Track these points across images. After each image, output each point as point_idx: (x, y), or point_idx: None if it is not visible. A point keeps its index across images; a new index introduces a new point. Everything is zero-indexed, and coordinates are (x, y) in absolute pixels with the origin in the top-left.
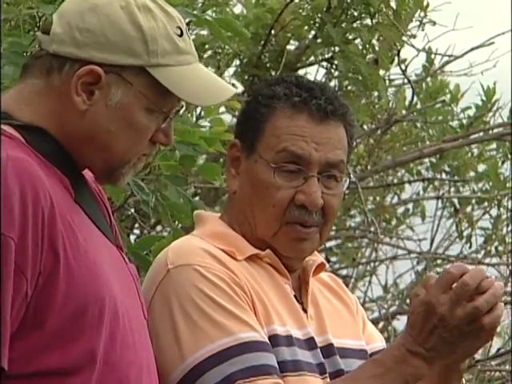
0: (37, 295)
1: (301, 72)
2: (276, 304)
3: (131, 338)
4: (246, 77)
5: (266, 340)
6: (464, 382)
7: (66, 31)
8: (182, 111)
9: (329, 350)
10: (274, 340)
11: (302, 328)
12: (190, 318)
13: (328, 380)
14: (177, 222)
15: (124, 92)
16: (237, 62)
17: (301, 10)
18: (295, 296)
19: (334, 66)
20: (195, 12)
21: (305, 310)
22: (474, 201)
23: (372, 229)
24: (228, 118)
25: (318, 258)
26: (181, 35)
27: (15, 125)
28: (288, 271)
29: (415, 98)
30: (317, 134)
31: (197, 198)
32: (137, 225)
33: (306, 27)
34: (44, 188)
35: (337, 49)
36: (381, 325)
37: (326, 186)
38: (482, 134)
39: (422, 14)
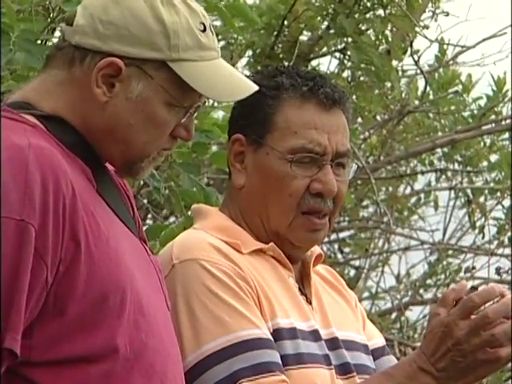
0: (57, 282)
1: (313, 63)
2: (280, 297)
3: (156, 327)
4: (259, 67)
5: (269, 336)
6: None
7: (89, 23)
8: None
9: (333, 343)
10: (278, 334)
11: (307, 320)
12: (193, 314)
13: (334, 372)
14: (189, 212)
15: (145, 85)
16: (249, 52)
17: (314, 1)
18: (299, 288)
19: (346, 57)
20: None
21: (309, 302)
22: (486, 191)
23: (385, 219)
24: None
25: (316, 248)
26: (204, 31)
27: (37, 114)
28: (291, 263)
29: (428, 89)
30: (327, 123)
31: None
32: (150, 215)
33: (318, 18)
34: (66, 176)
35: (349, 40)
36: (393, 315)
37: (336, 174)
38: (493, 124)
39: (435, 4)
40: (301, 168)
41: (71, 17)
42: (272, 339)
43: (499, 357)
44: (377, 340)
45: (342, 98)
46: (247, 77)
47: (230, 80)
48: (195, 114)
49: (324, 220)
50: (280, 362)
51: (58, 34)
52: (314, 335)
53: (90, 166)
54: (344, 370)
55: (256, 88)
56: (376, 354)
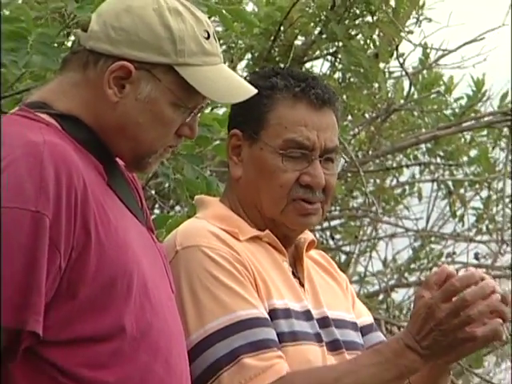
0: (70, 268)
1: (307, 65)
2: (275, 280)
3: (160, 309)
4: (257, 69)
5: (266, 316)
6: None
7: (102, 29)
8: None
9: (324, 322)
10: (273, 314)
11: (300, 301)
12: (196, 296)
13: (325, 348)
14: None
15: (153, 87)
16: (248, 55)
17: (307, 8)
18: (292, 272)
19: (337, 60)
20: (208, 2)
21: (302, 285)
22: (466, 183)
23: (373, 209)
24: None
25: (309, 235)
26: (208, 38)
27: (53, 113)
28: (285, 248)
29: (412, 89)
30: (316, 121)
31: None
32: (157, 205)
33: (312, 24)
34: (78, 170)
35: (340, 44)
36: (381, 297)
37: (325, 168)
38: (473, 121)
39: (419, 12)
40: (291, 162)
41: (86, 23)
42: (269, 318)
43: (475, 336)
44: (365, 318)
45: (332, 98)
46: (245, 77)
47: (231, 83)
48: (199, 114)
49: (316, 205)
50: (276, 339)
51: (72, 37)
52: (307, 315)
53: (101, 161)
54: (334, 346)
55: (254, 91)
56: (364, 330)
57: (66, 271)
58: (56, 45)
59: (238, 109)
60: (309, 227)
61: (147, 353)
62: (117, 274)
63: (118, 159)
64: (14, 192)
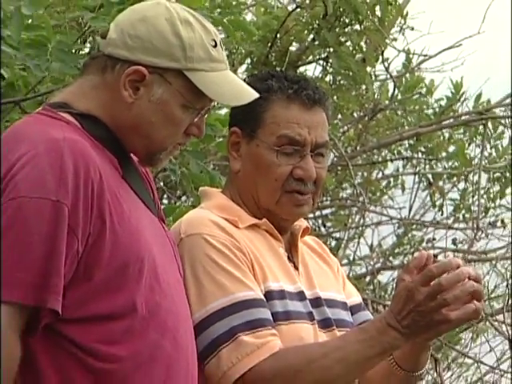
0: (87, 253)
1: (301, 69)
2: (271, 264)
3: (169, 291)
4: (256, 73)
5: (261, 297)
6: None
7: (119, 37)
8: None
9: (317, 302)
10: (269, 295)
11: (294, 283)
12: (198, 280)
13: (316, 326)
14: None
15: (164, 90)
16: (248, 60)
17: (301, 18)
18: (288, 256)
19: (328, 64)
20: (212, 15)
21: (296, 268)
22: (445, 176)
23: (360, 199)
24: None
25: (303, 223)
26: (215, 46)
27: (73, 113)
28: (281, 235)
29: (396, 91)
30: (308, 120)
31: None
32: (165, 196)
33: (305, 31)
34: (94, 164)
35: (331, 50)
36: (367, 278)
37: (316, 161)
38: (451, 120)
39: (402, 21)
40: (285, 157)
41: (105, 31)
42: (264, 299)
43: (450, 318)
44: (354, 298)
45: (322, 98)
46: (244, 80)
47: (235, 87)
48: (206, 115)
49: (306, 196)
50: (271, 318)
51: (88, 45)
52: (300, 296)
53: (116, 157)
54: (326, 324)
55: (256, 95)
56: (354, 309)
57: (83, 256)
58: (73, 51)
59: (237, 108)
60: (301, 217)
61: (156, 330)
62: (129, 259)
63: (132, 155)
64: (37, 183)
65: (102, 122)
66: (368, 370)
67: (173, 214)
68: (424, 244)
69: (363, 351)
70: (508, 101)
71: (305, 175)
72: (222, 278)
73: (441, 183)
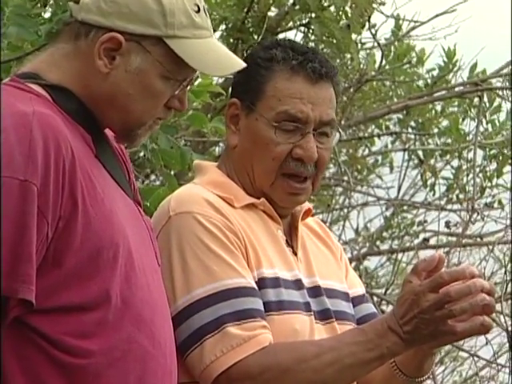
0: (57, 237)
1: (280, 36)
2: (267, 248)
3: (145, 281)
4: (232, 40)
5: (253, 285)
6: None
7: (93, 1)
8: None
9: (315, 291)
10: (262, 282)
11: (291, 270)
12: (185, 262)
13: (313, 318)
14: (168, 170)
15: (142, 59)
16: (223, 26)
17: None
18: (286, 240)
19: (310, 31)
20: None
21: (295, 253)
22: (437, 153)
23: (345, 178)
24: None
25: (305, 204)
26: (198, 11)
27: (43, 84)
28: (280, 217)
29: (384, 60)
30: (313, 95)
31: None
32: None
33: None
34: (66, 141)
35: (313, 15)
36: (353, 264)
37: (319, 141)
38: (444, 92)
39: None
40: (285, 135)
41: None
42: (256, 288)
43: (455, 331)
44: (357, 289)
45: (330, 72)
46: (249, 47)
47: (220, 57)
48: (188, 87)
49: (305, 184)
50: (262, 309)
51: (49, 9)
52: (297, 284)
53: (89, 133)
54: (324, 315)
55: (243, 65)
56: (356, 301)
57: (53, 240)
58: (32, 16)
59: (238, 78)
60: (296, 205)
61: (131, 323)
62: (103, 244)
63: (107, 131)
64: (4, 161)
65: (74, 95)
66: (362, 376)
67: (150, 197)
68: (414, 227)
69: (360, 354)
70: (506, 70)
71: (304, 155)
72: (211, 262)
73: (432, 161)
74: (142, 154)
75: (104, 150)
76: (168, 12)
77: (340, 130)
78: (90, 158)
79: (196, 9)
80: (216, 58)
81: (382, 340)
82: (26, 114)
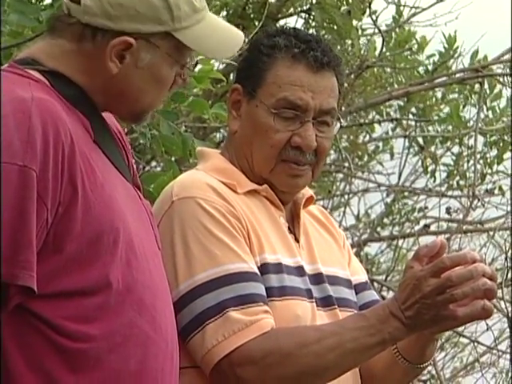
0: (56, 222)
1: (281, 22)
2: (269, 234)
3: (146, 265)
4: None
5: (255, 270)
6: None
7: (98, 5)
8: None
9: (318, 278)
10: (264, 268)
11: (293, 257)
12: (187, 247)
13: (315, 304)
14: (169, 156)
15: (152, 54)
16: (224, 12)
17: None
18: (288, 227)
19: (311, 17)
20: None
21: (297, 240)
22: (437, 139)
23: (346, 164)
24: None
25: (307, 191)
26: None
27: (42, 70)
28: (282, 204)
29: (385, 47)
30: (313, 83)
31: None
32: (133, 160)
33: None
34: (65, 126)
35: (314, 1)
36: (353, 251)
37: (319, 130)
38: (445, 78)
39: None
40: (284, 122)
41: None
42: (258, 273)
43: (456, 316)
44: (360, 276)
45: (333, 61)
46: (255, 34)
47: (223, 35)
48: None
49: (304, 167)
50: (264, 294)
51: None
52: (299, 271)
53: (87, 118)
54: (326, 302)
55: (242, 37)
56: (358, 288)
57: (53, 226)
58: (33, 2)
59: (242, 64)
60: (297, 189)
61: (132, 308)
62: (103, 228)
63: (105, 114)
64: (3, 147)
65: (72, 82)
66: (364, 361)
67: (154, 182)
68: (415, 213)
69: (362, 339)
70: (507, 57)
71: (303, 143)
72: (213, 246)
73: (433, 147)
74: (142, 140)
75: (103, 134)
76: (173, 6)
77: (341, 118)
78: (88, 143)
79: None
80: (220, 38)
81: (383, 325)
82: (24, 99)
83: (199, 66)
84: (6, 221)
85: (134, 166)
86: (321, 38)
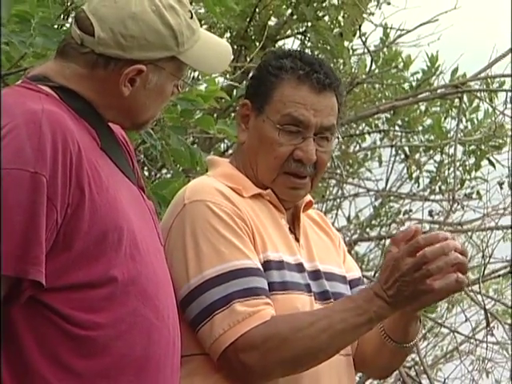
0: (66, 223)
1: (279, 43)
2: (272, 234)
3: (149, 260)
4: (235, 47)
5: (259, 266)
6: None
7: (110, 37)
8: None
9: (316, 274)
10: (267, 265)
11: (293, 255)
12: (197, 245)
13: (313, 298)
14: (178, 165)
15: (159, 76)
16: (227, 34)
17: None
18: (289, 228)
19: (307, 38)
20: None
21: (297, 240)
22: (421, 149)
23: (338, 171)
24: (220, 79)
25: (307, 197)
26: (191, 17)
27: (52, 86)
28: (284, 207)
29: (373, 65)
30: (316, 103)
31: (194, 146)
32: (146, 168)
33: (284, 6)
34: (72, 135)
35: (309, 24)
36: None
37: (319, 145)
38: (428, 93)
39: None
40: (287, 136)
41: (83, 22)
42: (261, 269)
43: (433, 288)
44: (354, 272)
45: (333, 83)
46: (264, 55)
47: (215, 50)
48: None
49: (304, 181)
50: (266, 288)
51: (70, 20)
52: (299, 267)
53: (94, 127)
54: (323, 296)
55: (229, 49)
56: (353, 284)
57: (62, 226)
58: (56, 27)
59: (252, 82)
60: (297, 199)
61: (137, 298)
62: (108, 227)
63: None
64: (15, 155)
65: (79, 96)
66: (354, 341)
67: (167, 188)
68: (401, 216)
69: (349, 320)
70: (483, 74)
71: (304, 157)
72: (221, 245)
73: (417, 156)
74: (155, 152)
75: (109, 141)
76: (178, 33)
77: (339, 134)
78: (95, 150)
79: (190, 15)
80: (213, 53)
81: (369, 305)
82: (35, 111)
83: (204, 85)
84: (18, 222)
85: (139, 170)
86: (324, 61)
